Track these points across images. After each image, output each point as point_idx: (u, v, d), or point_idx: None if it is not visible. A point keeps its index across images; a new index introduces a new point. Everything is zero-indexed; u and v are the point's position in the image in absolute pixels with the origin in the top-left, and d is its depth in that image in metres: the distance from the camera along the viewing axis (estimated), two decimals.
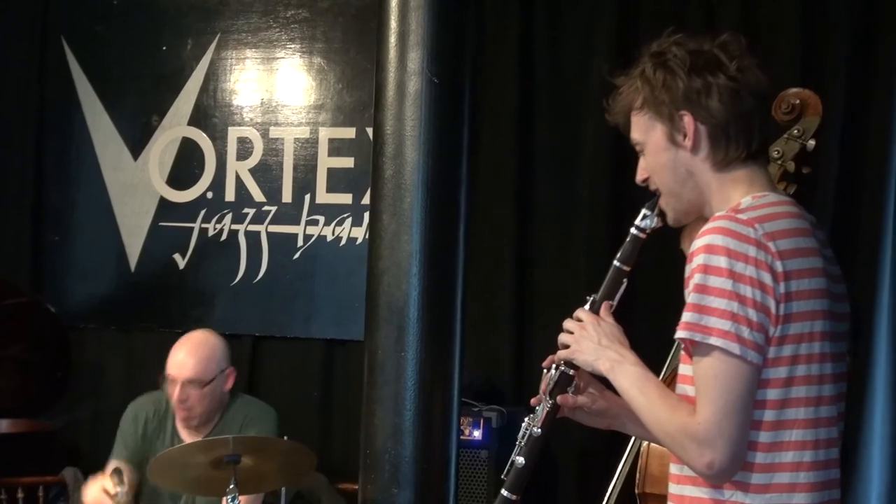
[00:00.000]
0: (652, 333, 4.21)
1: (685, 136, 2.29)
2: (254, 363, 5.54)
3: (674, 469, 2.30)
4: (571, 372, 2.43)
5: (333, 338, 5.45)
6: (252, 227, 5.58)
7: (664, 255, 3.58)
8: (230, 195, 5.63)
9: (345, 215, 5.45)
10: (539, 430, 2.46)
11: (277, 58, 5.62)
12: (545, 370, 2.47)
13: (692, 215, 2.39)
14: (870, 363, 4.42)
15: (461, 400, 3.29)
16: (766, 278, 2.15)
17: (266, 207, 5.57)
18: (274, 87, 5.63)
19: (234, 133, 5.65)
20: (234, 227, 5.60)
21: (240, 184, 5.62)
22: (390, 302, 3.16)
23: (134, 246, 5.74)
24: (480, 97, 4.75)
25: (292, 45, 5.59)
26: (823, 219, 4.44)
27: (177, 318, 5.67)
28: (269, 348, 5.58)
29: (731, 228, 2.17)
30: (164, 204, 5.71)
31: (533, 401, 2.49)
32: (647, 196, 2.41)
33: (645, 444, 3.56)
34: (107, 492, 3.82)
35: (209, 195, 5.65)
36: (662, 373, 3.60)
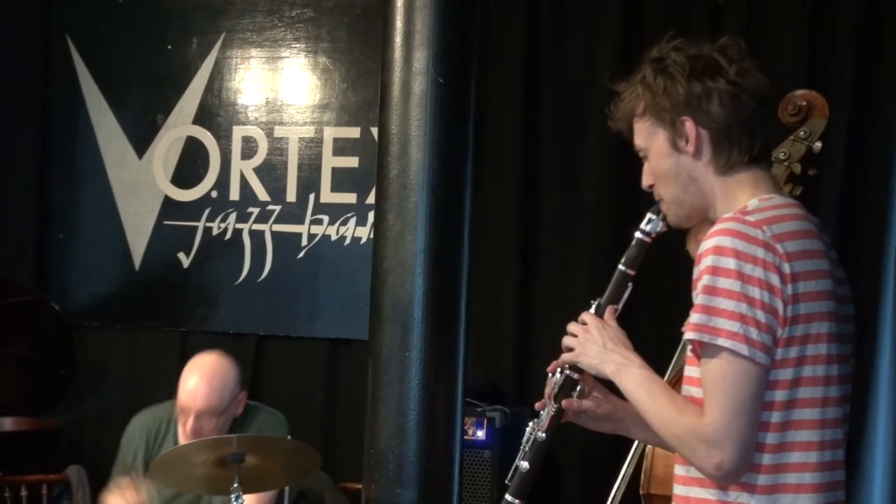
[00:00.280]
0: (655, 335, 4.23)
1: (687, 141, 2.29)
2: (258, 362, 5.54)
3: (679, 470, 2.30)
4: (576, 376, 2.43)
5: (337, 337, 5.45)
6: (256, 227, 5.58)
7: (668, 257, 3.59)
8: (234, 194, 5.63)
9: (349, 215, 5.44)
10: (543, 435, 2.46)
11: (282, 57, 5.62)
12: (550, 374, 2.47)
13: (694, 220, 2.40)
14: (874, 365, 4.41)
15: (465, 400, 3.29)
16: (774, 280, 2.15)
17: (270, 207, 5.57)
18: (279, 87, 5.63)
19: (238, 132, 5.65)
20: (239, 226, 5.60)
21: (244, 183, 5.62)
22: (395, 301, 3.15)
23: (138, 245, 5.74)
24: (485, 97, 4.75)
25: (297, 45, 5.59)
26: (828, 220, 4.43)
27: (181, 317, 5.69)
28: (272, 348, 5.58)
29: (740, 230, 2.17)
30: (168, 203, 5.71)
31: (537, 405, 2.49)
32: (652, 198, 2.42)
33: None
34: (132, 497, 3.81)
35: (213, 194, 5.65)
36: (667, 374, 3.60)
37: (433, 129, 3.14)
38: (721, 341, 2.14)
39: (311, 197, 5.51)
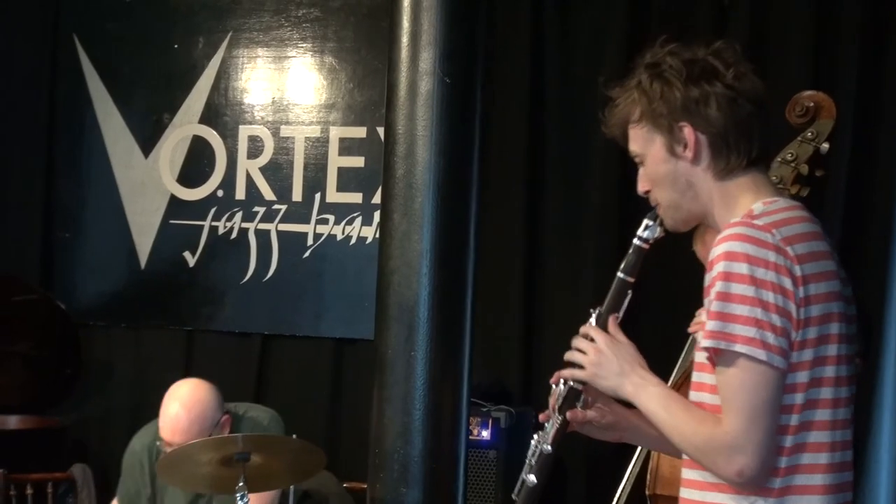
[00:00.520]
0: (659, 336, 4.23)
1: (685, 146, 2.28)
2: (263, 362, 5.55)
3: (694, 475, 2.28)
4: (580, 387, 2.41)
5: (343, 337, 5.46)
6: (262, 226, 5.59)
7: (671, 258, 3.59)
8: (240, 193, 5.63)
9: (355, 214, 5.45)
10: (549, 448, 2.44)
11: (289, 57, 5.62)
12: (553, 386, 2.46)
13: (691, 224, 2.39)
14: (879, 365, 4.41)
15: (470, 400, 3.29)
16: (787, 283, 2.14)
17: (276, 206, 5.57)
18: (285, 86, 5.63)
19: (244, 131, 5.65)
20: (245, 225, 5.61)
21: (250, 182, 5.62)
22: (400, 301, 3.15)
23: (144, 243, 5.75)
24: (490, 97, 4.75)
25: (304, 44, 5.60)
26: (834, 220, 4.44)
27: (186, 316, 5.69)
28: (278, 347, 5.58)
29: (750, 234, 2.16)
30: (174, 202, 5.72)
31: (541, 417, 2.48)
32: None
33: None
34: None
35: (219, 193, 5.66)
36: (672, 376, 3.60)
37: (439, 129, 3.14)
38: (738, 347, 2.13)
39: (317, 196, 5.51)
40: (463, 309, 3.21)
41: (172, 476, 3.80)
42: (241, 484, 3.54)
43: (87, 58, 5.85)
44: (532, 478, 2.45)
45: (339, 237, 5.47)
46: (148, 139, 5.77)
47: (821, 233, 2.28)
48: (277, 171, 5.59)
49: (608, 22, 5.01)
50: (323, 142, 5.53)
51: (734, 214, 2.24)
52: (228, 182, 5.65)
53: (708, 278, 2.19)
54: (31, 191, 5.91)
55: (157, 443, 3.94)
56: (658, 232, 2.41)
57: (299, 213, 5.54)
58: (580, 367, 2.38)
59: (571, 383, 2.41)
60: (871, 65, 4.58)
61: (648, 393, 2.29)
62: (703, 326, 2.21)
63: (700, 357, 2.25)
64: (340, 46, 5.54)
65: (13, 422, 5.49)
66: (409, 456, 3.12)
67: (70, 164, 5.88)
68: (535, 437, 2.48)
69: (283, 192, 5.57)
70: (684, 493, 2.31)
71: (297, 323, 5.55)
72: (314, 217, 5.51)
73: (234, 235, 5.63)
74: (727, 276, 2.14)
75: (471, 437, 4.04)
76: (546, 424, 2.46)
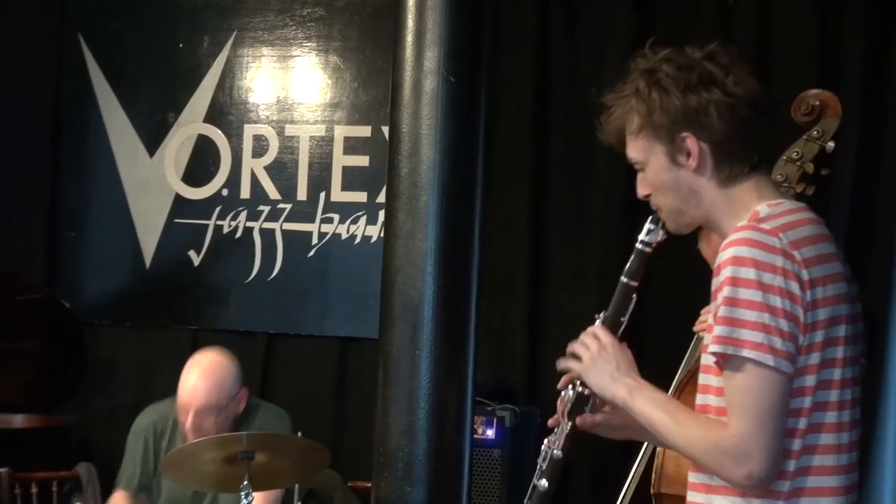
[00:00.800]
0: (663, 334, 4.23)
1: (688, 156, 2.27)
2: (268, 361, 5.54)
3: (701, 478, 2.28)
4: (587, 392, 2.41)
5: (347, 335, 5.45)
6: (267, 225, 5.58)
7: (675, 259, 3.58)
8: (245, 192, 5.63)
9: (359, 213, 5.45)
10: (560, 453, 2.45)
11: (293, 56, 5.62)
12: (562, 392, 2.45)
13: (694, 227, 2.39)
14: (884, 366, 4.40)
15: (475, 399, 3.29)
16: (794, 287, 2.14)
17: (281, 205, 5.57)
18: (290, 85, 5.63)
19: (249, 130, 5.65)
20: (249, 224, 5.61)
21: (255, 181, 5.62)
22: (405, 300, 3.15)
23: (149, 242, 5.75)
24: (495, 96, 4.74)
25: (308, 44, 5.60)
26: (839, 219, 4.43)
27: (191, 315, 5.69)
28: (283, 346, 5.58)
29: (757, 239, 2.16)
30: (179, 201, 5.72)
31: (550, 421, 2.48)
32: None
33: None
34: None
35: (224, 192, 5.66)
36: (678, 374, 3.59)
37: (444, 128, 3.14)
38: (745, 352, 2.13)
39: (322, 195, 5.51)
40: (468, 308, 3.21)
41: (177, 474, 3.81)
42: (245, 482, 3.54)
43: (92, 57, 5.85)
44: (544, 483, 2.45)
45: (344, 236, 5.47)
46: (153, 138, 5.77)
47: (827, 234, 2.27)
48: (282, 171, 5.59)
49: (613, 22, 5.00)
50: (328, 141, 5.53)
51: (739, 219, 2.23)
52: (233, 181, 5.65)
53: (715, 282, 2.18)
54: (36, 190, 5.91)
55: (176, 413, 3.99)
56: (660, 235, 2.40)
57: (304, 212, 5.54)
58: (579, 360, 2.38)
59: (579, 388, 2.41)
60: (877, 63, 4.58)
61: (644, 395, 2.29)
62: (709, 328, 2.21)
63: (707, 359, 2.25)
64: (345, 45, 5.54)
65: (18, 420, 5.49)
66: (413, 455, 3.11)
67: (75, 163, 5.88)
68: (545, 441, 2.48)
69: (287, 191, 5.57)
70: (691, 496, 2.31)
71: (302, 322, 5.55)
72: (319, 216, 5.51)
73: (238, 234, 5.63)
74: (734, 281, 2.14)
75: (475, 436, 4.04)
76: (555, 429, 2.46)
